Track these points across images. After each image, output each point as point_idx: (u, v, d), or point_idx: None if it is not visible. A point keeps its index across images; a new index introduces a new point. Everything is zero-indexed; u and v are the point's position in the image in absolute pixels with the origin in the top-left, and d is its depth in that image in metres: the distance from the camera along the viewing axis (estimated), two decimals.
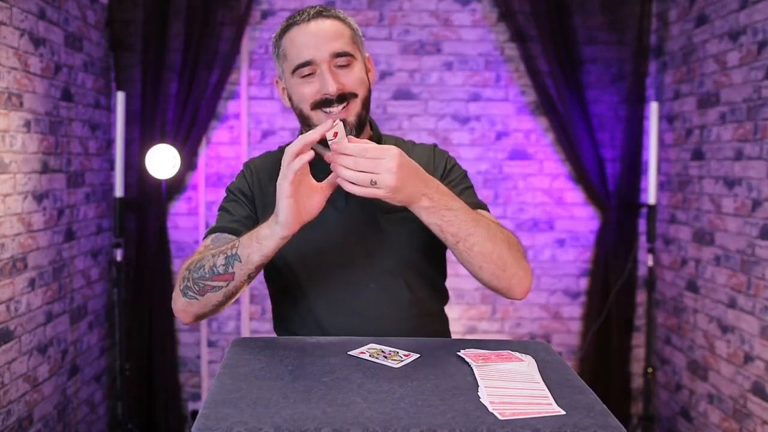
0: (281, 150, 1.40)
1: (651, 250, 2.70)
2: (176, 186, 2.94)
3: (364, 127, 1.29)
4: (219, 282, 1.13)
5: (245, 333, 3.05)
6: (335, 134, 1.03)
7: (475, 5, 3.01)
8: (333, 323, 1.27)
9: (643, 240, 3.02)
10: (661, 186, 3.01)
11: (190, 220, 3.04)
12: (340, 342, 1.16)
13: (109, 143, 2.96)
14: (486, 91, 3.04)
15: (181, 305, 1.19)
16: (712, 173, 2.60)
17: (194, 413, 3.05)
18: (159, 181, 2.85)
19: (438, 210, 1.09)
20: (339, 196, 1.28)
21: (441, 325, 1.39)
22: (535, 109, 3.04)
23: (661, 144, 2.99)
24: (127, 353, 2.71)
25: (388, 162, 1.01)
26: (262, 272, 1.31)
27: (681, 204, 2.85)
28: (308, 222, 1.10)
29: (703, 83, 2.66)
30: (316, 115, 1.23)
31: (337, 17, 1.24)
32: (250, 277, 1.13)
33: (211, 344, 3.07)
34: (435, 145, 1.43)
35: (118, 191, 2.58)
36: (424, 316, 1.32)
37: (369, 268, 1.28)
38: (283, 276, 1.32)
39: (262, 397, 0.89)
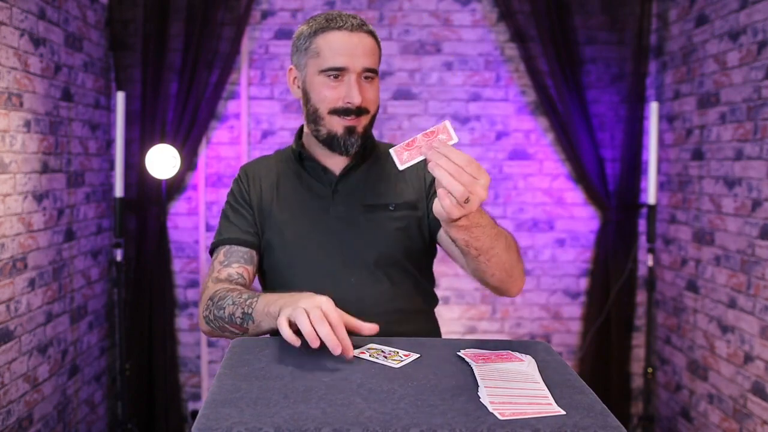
0: (278, 153, 1.46)
1: (651, 250, 2.70)
2: (176, 186, 2.94)
3: (367, 138, 1.34)
4: (235, 329, 1.20)
5: None
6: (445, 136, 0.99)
7: (475, 5, 3.01)
8: None
9: (643, 240, 3.02)
10: (661, 186, 3.01)
11: (190, 220, 3.04)
12: None
13: (109, 143, 2.96)
14: (486, 91, 3.04)
15: (205, 329, 1.28)
16: (712, 173, 2.60)
17: (194, 413, 3.05)
18: (159, 181, 2.85)
19: (470, 228, 1.08)
20: (325, 191, 1.35)
21: (428, 324, 1.40)
22: (535, 109, 3.04)
23: (661, 144, 2.99)
24: (127, 353, 2.71)
25: (481, 186, 0.97)
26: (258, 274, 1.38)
27: (681, 204, 2.85)
28: (294, 215, 1.23)
29: (703, 83, 2.66)
30: (329, 119, 1.29)
31: (371, 33, 1.31)
32: (261, 335, 1.19)
33: (211, 344, 3.07)
34: None
35: (118, 191, 2.58)
36: (407, 312, 1.34)
37: (350, 262, 1.31)
38: (271, 270, 1.37)
39: (262, 397, 0.89)
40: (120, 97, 2.57)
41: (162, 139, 2.84)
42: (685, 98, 2.82)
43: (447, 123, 1.00)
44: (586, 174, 2.93)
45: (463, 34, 3.02)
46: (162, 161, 2.66)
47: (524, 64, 2.93)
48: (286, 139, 3.03)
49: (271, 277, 1.38)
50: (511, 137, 3.06)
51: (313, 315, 1.00)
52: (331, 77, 1.27)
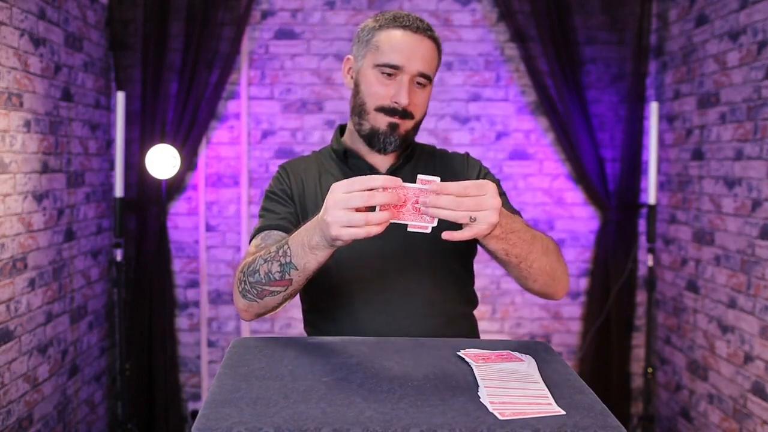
0: (315, 154, 1.44)
1: (651, 250, 2.69)
2: (176, 186, 2.94)
3: (407, 142, 1.34)
4: (277, 287, 1.14)
5: (245, 333, 3.05)
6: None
7: (475, 5, 3.01)
8: (365, 315, 1.28)
9: (643, 240, 3.02)
10: (661, 186, 3.01)
11: (190, 220, 3.04)
12: (340, 342, 1.16)
13: (109, 143, 2.96)
14: (486, 91, 3.04)
15: (243, 306, 1.21)
16: (712, 173, 2.60)
17: (194, 413, 3.05)
18: (159, 181, 2.85)
19: (506, 235, 1.08)
20: None
21: (470, 327, 1.40)
22: (535, 109, 3.04)
23: (661, 144, 2.99)
24: (127, 353, 2.71)
25: (490, 199, 0.99)
26: None
27: (681, 204, 2.85)
28: None
29: (703, 83, 2.66)
30: (374, 116, 1.28)
31: (435, 40, 1.30)
32: (308, 279, 1.15)
33: (211, 344, 3.07)
34: (467, 154, 1.45)
35: (118, 191, 2.58)
36: (453, 315, 1.34)
37: (400, 261, 1.30)
38: (316, 274, 1.32)
39: (262, 397, 0.89)
40: (120, 97, 2.57)
41: (162, 139, 2.84)
42: (685, 98, 2.82)
43: (419, 176, 1.00)
44: (586, 174, 2.93)
45: (463, 34, 3.02)
46: (162, 161, 2.66)
47: (524, 64, 2.93)
48: (286, 139, 3.03)
49: (317, 277, 1.31)
50: (511, 137, 3.05)
51: (351, 220, 0.96)
52: (385, 75, 1.26)
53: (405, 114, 1.27)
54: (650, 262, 2.70)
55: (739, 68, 2.41)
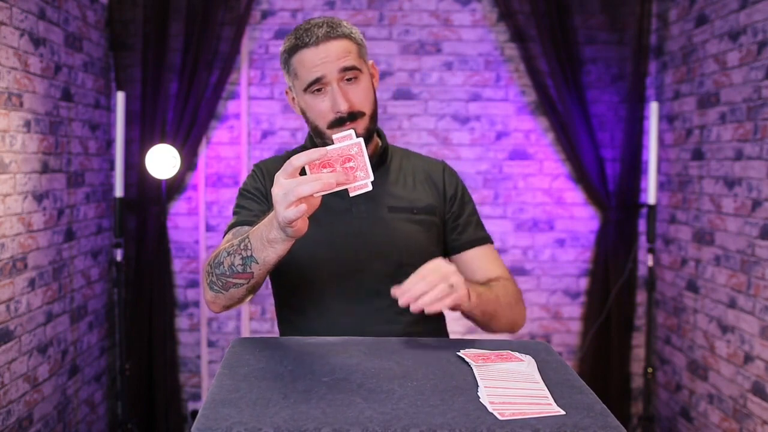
0: (288, 154, 1.45)
1: (651, 250, 2.69)
2: (176, 186, 2.94)
3: (372, 138, 1.35)
4: (239, 280, 1.15)
5: (245, 333, 3.05)
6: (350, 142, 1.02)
7: (475, 5, 3.01)
8: (337, 311, 1.30)
9: (643, 240, 3.02)
10: (661, 186, 3.01)
11: (190, 220, 3.04)
12: (340, 342, 1.16)
13: (109, 143, 2.96)
14: (486, 91, 3.04)
15: (210, 297, 1.23)
16: (712, 173, 2.60)
17: (194, 413, 3.05)
18: (159, 181, 2.85)
19: (479, 297, 1.20)
20: (345, 191, 1.32)
21: (439, 324, 1.42)
22: (535, 109, 3.04)
23: (661, 144, 2.99)
24: (127, 353, 2.71)
25: (445, 267, 1.14)
26: None
27: (681, 204, 2.85)
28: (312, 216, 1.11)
29: (703, 83, 2.66)
30: (330, 133, 1.28)
31: (343, 35, 1.28)
32: (269, 272, 1.17)
33: (211, 344, 3.07)
34: (444, 162, 1.48)
35: (118, 191, 2.58)
36: (423, 312, 1.35)
37: (375, 260, 1.31)
38: (290, 270, 1.33)
39: (262, 397, 0.89)
40: (120, 97, 2.57)
41: (162, 139, 2.84)
42: (685, 98, 2.82)
43: (334, 136, 1.02)
44: (586, 174, 2.93)
45: (463, 34, 3.02)
46: (162, 161, 2.66)
47: (524, 64, 2.93)
48: (286, 139, 3.03)
49: (291, 273, 1.34)
50: (511, 137, 3.05)
51: (293, 213, 0.97)
52: (315, 92, 1.27)
53: (353, 116, 1.27)
54: (650, 262, 2.70)
55: (739, 68, 2.41)
